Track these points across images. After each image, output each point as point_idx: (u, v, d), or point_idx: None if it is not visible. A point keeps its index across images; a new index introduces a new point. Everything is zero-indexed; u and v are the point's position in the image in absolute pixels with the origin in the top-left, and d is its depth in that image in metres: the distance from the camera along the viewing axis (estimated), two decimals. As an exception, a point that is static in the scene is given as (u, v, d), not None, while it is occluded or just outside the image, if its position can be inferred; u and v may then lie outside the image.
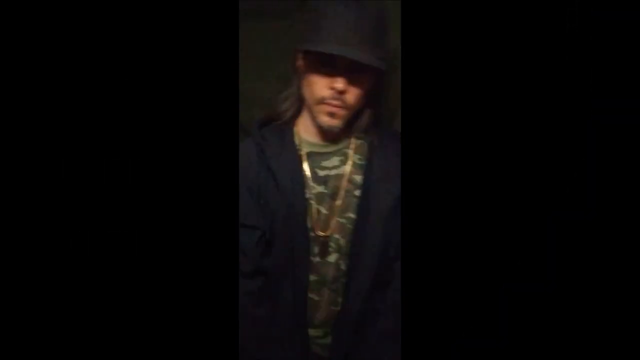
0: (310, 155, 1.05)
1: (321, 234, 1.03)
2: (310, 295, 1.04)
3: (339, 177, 1.04)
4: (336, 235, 1.03)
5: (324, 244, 1.03)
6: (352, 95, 0.99)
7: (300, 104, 1.07)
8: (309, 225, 1.02)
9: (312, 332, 1.06)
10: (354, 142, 1.06)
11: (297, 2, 1.66)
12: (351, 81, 0.97)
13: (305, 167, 1.05)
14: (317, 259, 1.03)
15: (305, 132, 1.07)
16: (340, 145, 1.06)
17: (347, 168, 1.05)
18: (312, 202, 1.03)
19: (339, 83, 0.96)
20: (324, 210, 1.03)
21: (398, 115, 1.79)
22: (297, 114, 1.08)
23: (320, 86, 0.98)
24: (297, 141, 1.07)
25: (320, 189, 1.04)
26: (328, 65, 0.97)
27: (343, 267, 1.03)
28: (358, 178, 1.05)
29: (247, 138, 1.09)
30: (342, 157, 1.06)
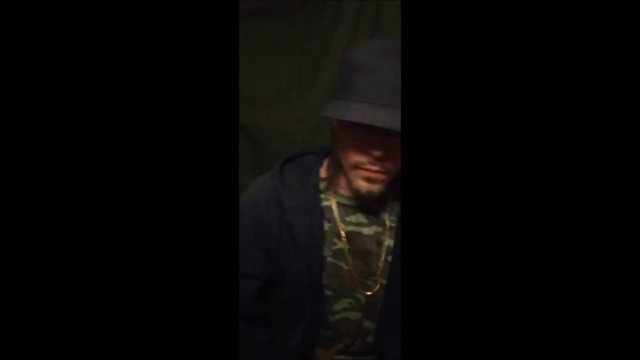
0: (337, 207, 0.95)
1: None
2: (339, 263, 0.96)
3: (368, 237, 0.94)
4: (359, 295, 0.94)
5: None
6: (393, 160, 0.87)
7: (336, 167, 0.94)
8: (325, 282, 0.93)
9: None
10: (389, 202, 0.95)
11: (297, 2, 1.66)
12: (392, 144, 0.84)
13: (329, 221, 0.94)
14: (336, 317, 0.95)
15: (335, 183, 0.96)
16: (372, 205, 0.95)
17: (379, 229, 0.95)
18: (333, 259, 0.93)
19: (377, 150, 0.85)
20: (345, 267, 0.94)
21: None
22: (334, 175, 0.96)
23: (355, 150, 0.87)
24: (323, 189, 0.96)
25: (341, 245, 0.94)
26: (364, 127, 0.83)
27: (367, 324, 0.95)
28: (389, 242, 0.95)
29: (268, 174, 0.99)
30: (371, 216, 0.95)
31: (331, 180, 0.96)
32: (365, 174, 0.88)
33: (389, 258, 0.95)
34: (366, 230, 0.95)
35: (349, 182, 0.92)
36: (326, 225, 0.94)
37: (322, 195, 0.96)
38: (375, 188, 0.90)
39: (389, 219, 0.96)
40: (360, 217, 0.95)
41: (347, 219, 0.95)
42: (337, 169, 0.95)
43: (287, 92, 1.66)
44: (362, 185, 0.89)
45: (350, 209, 0.95)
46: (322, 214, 0.94)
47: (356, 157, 0.88)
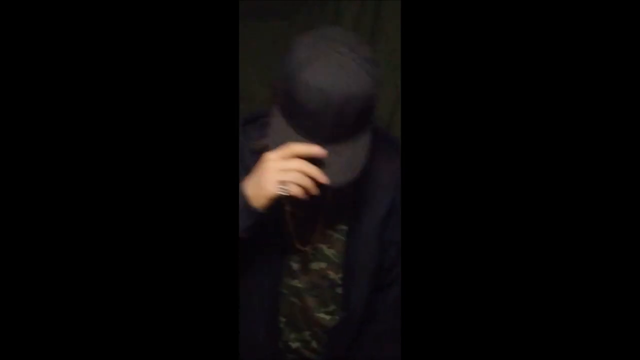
0: None
1: (302, 248, 0.96)
2: (292, 299, 1.00)
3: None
4: (322, 245, 0.97)
5: (306, 255, 0.98)
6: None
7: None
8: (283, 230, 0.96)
9: (296, 336, 1.03)
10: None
11: (297, 2, 1.67)
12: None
13: None
14: (297, 266, 0.98)
15: None
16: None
17: None
18: (289, 208, 0.95)
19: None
20: (302, 215, 0.96)
21: (394, 117, 1.79)
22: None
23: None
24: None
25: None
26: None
27: (332, 276, 0.98)
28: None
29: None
30: None
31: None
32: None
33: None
34: None
35: None
36: None
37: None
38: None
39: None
40: None
41: None
42: None
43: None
44: None
45: None
46: None
47: None
